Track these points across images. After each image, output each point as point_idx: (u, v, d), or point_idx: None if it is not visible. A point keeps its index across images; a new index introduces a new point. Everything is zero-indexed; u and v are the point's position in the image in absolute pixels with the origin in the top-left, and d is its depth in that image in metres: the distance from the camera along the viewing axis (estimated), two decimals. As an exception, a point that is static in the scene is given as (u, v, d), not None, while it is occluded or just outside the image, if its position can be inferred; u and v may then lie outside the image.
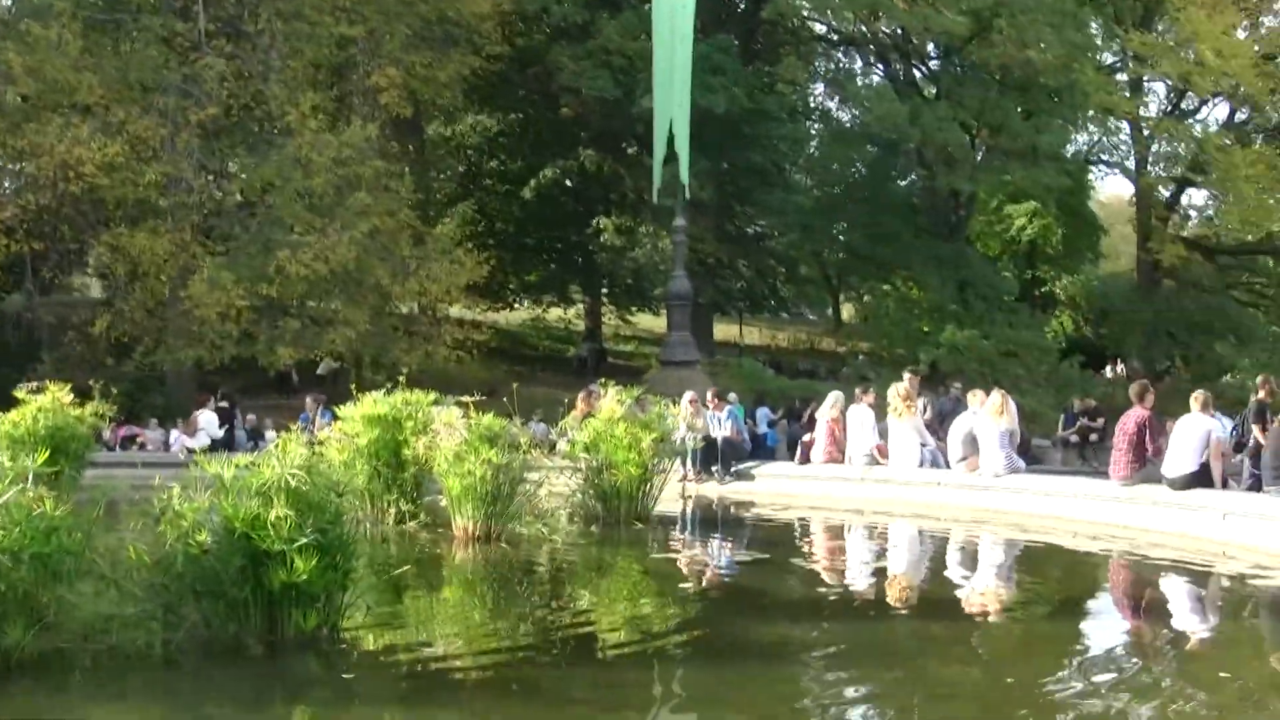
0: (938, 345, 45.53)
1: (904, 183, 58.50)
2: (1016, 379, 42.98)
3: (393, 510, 16.73)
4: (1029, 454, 27.60)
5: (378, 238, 37.83)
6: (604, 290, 61.03)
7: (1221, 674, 9.91)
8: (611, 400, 18.63)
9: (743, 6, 54.86)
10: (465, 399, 17.12)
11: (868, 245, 56.28)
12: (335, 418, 17.74)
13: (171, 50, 37.27)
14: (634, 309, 62.30)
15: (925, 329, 48.80)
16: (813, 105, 62.92)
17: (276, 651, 9.51)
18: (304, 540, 9.29)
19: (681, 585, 14.43)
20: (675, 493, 21.59)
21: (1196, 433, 17.14)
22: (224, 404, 34.81)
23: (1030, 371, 46.26)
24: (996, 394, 20.32)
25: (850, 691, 9.30)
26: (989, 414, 19.85)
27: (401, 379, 17.69)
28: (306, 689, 9.21)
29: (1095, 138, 65.38)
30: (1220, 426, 17.62)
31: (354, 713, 8.63)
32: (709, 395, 24.39)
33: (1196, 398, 18.08)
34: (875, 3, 48.62)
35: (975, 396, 21.64)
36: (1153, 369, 61.08)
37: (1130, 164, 64.79)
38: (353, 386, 18.66)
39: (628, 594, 13.83)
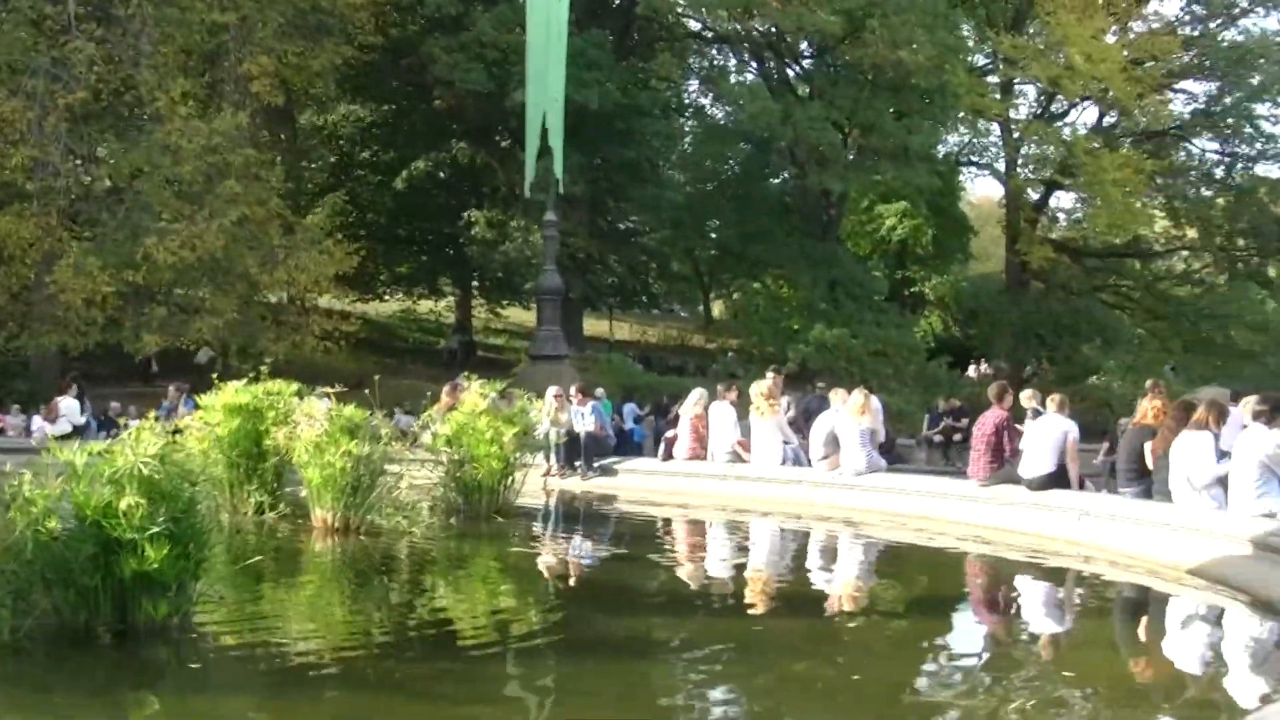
0: (807, 343, 45.82)
1: (776, 181, 58.92)
2: (885, 378, 43.44)
3: (252, 501, 16.60)
4: (893, 453, 27.77)
5: (247, 226, 37.52)
6: (475, 283, 60.93)
7: (1074, 673, 10.06)
8: (474, 394, 18.61)
9: (618, 2, 54.83)
10: (327, 389, 17.06)
11: (740, 243, 56.60)
12: (198, 406, 17.58)
13: (40, 33, 36.67)
14: (505, 303, 62.24)
15: (795, 327, 49.07)
16: (687, 102, 63.20)
17: (127, 640, 9.46)
18: (155, 529, 9.25)
19: (542, 580, 14.45)
20: (538, 487, 21.60)
21: (1053, 434, 17.35)
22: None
23: (898, 371, 46.72)
24: (858, 393, 20.46)
25: (712, 688, 9.36)
26: (850, 413, 19.97)
27: (264, 369, 17.61)
28: (155, 678, 9.17)
29: (966, 139, 66.23)
30: (1075, 427, 17.83)
31: (202, 703, 8.57)
32: (573, 390, 24.36)
33: (1054, 399, 18.33)
34: (749, 1, 48.80)
35: (837, 395, 21.77)
36: (1020, 370, 61.86)
37: (1000, 166, 65.63)
38: (214, 376, 18.47)
39: (488, 588, 13.83)
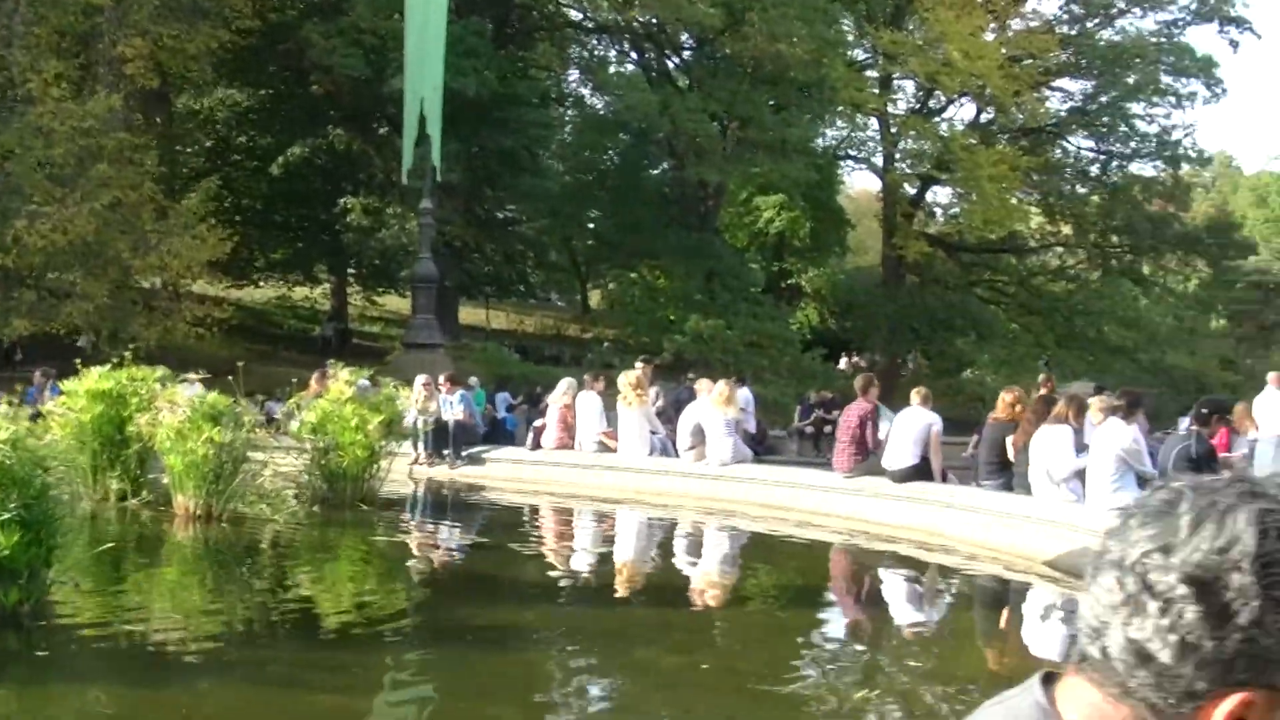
0: (682, 334, 45.97)
1: (655, 172, 59.07)
2: (760, 369, 43.65)
3: (114, 487, 16.48)
4: (765, 444, 27.97)
5: (119, 210, 37.18)
6: (351, 270, 60.68)
7: (927, 663, 10.22)
8: (340, 381, 18.58)
9: (497, -11, 54.81)
10: (191, 375, 16.98)
11: (618, 233, 56.77)
12: (63, 393, 17.43)
13: (-92, 12, 36.31)
14: (381, 290, 62.00)
15: (671, 317, 49.22)
16: (567, 92, 63.17)
17: (-25, 627, 9.39)
18: (6, 515, 9.20)
19: (408, 568, 14.47)
20: (405, 475, 21.59)
21: (916, 426, 17.55)
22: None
23: (773, 363, 46.97)
24: (722, 383, 20.54)
25: (576, 676, 9.46)
26: (715, 403, 20.06)
27: (128, 354, 17.49)
28: (3, 666, 9.11)
29: (844, 133, 66.66)
30: (939, 420, 18.05)
31: (49, 692, 8.50)
32: (441, 379, 24.31)
33: (917, 392, 18.53)
34: (629, -8, 49.05)
35: (702, 385, 21.88)
36: (896, 363, 62.41)
37: (878, 160, 66.14)
38: (77, 362, 18.28)
39: (352, 576, 13.84)
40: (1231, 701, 1.60)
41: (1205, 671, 1.60)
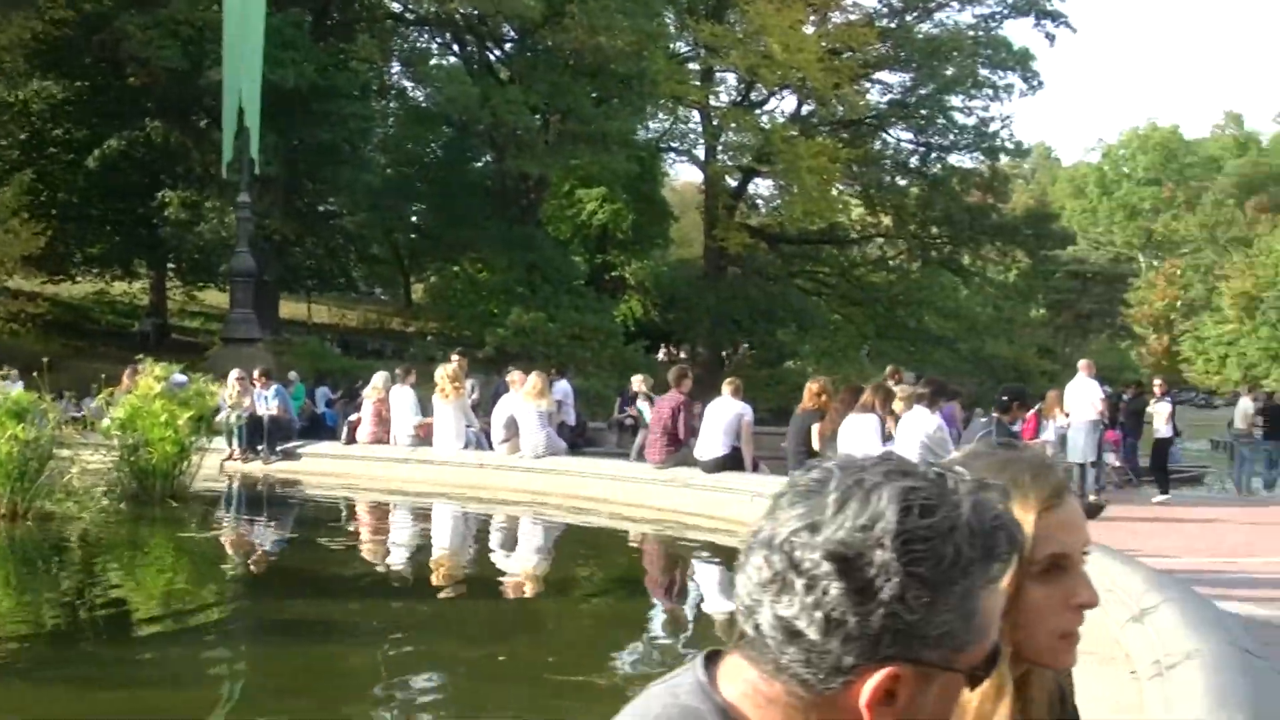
0: (504, 327, 45.93)
1: (479, 165, 58.95)
2: (582, 362, 43.71)
3: (-83, 486, 16.23)
4: (585, 436, 28.12)
5: (-71, 204, 36.58)
6: (170, 265, 59.79)
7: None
8: (149, 376, 18.41)
9: (317, -19, 54.34)
10: (9, 371, 16.80)
11: (440, 226, 56.66)
12: None
13: None
14: (200, 285, 61.12)
15: (494, 310, 49.18)
16: (389, 84, 62.77)
17: None
18: None
19: (219, 564, 14.41)
20: (218, 471, 21.43)
21: (727, 417, 17.69)
22: None
23: (595, 355, 47.03)
24: (535, 376, 20.56)
25: (392, 670, 9.44)
26: (528, 396, 20.11)
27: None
28: None
29: (667, 125, 66.92)
30: (750, 410, 18.22)
31: None
32: (255, 373, 24.15)
33: (729, 382, 18.66)
34: (449, -17, 48.85)
35: (515, 378, 21.90)
36: (719, 354, 62.80)
37: (700, 152, 66.55)
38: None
39: (161, 573, 13.76)
40: (878, 676, 1.64)
41: (851, 647, 1.63)
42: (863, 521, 1.64)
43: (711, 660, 1.81)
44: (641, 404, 25.31)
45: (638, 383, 27.40)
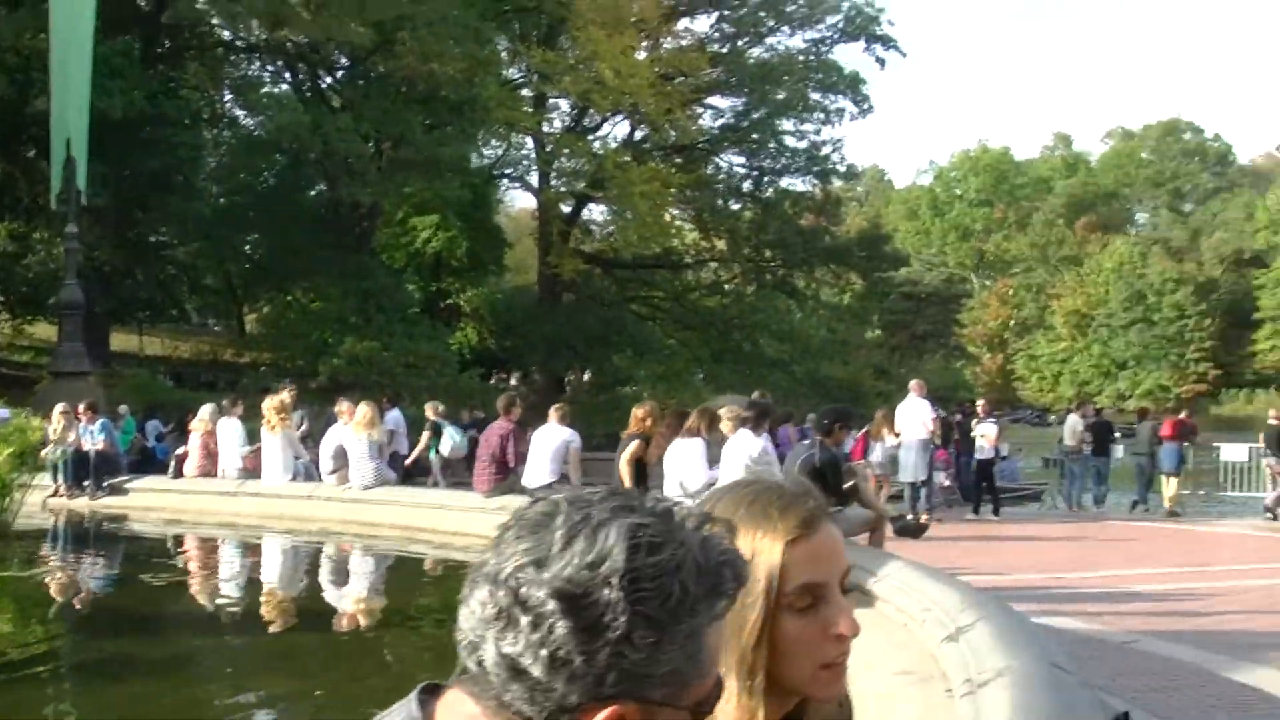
0: (338, 357, 45.68)
1: (312, 193, 58.52)
2: (417, 390, 43.51)
3: None
4: (420, 464, 28.07)
5: None
6: (-1, 298, 58.89)
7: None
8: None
9: (146, 9, 53.63)
10: None
11: (274, 256, 56.18)
12: None
13: None
14: (30, 318, 60.13)
15: (327, 340, 48.82)
16: (220, 113, 62.19)
17: None
18: None
19: (43, 603, 14.20)
20: (42, 508, 21.11)
21: (554, 443, 17.75)
22: None
23: (431, 383, 46.84)
24: (364, 406, 20.43)
25: (224, 704, 9.37)
26: (357, 426, 20.01)
27: None
28: None
29: (500, 152, 66.85)
30: (577, 437, 18.28)
31: None
32: (80, 407, 23.80)
33: (556, 409, 18.73)
34: (279, 11, 48.27)
35: (344, 408, 21.77)
36: (556, 380, 62.78)
37: (534, 179, 66.61)
38: None
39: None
40: (603, 715, 1.63)
41: (576, 685, 1.61)
42: (590, 559, 1.63)
43: (431, 693, 1.79)
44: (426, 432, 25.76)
45: (429, 410, 27.74)
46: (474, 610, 1.68)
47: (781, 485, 2.44)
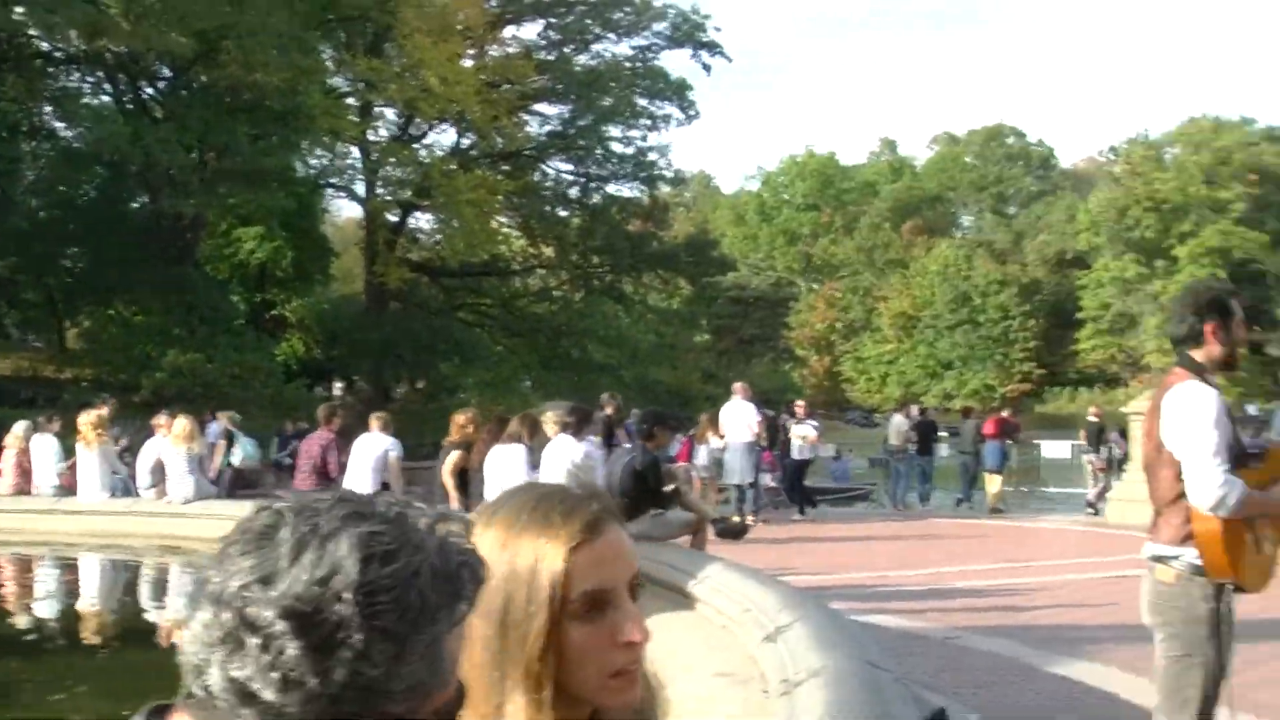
0: (161, 370, 45.16)
1: (135, 205, 57.71)
2: (242, 402, 43.09)
3: None
4: (244, 478, 27.78)
5: None
6: None
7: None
8: None
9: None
10: None
11: (95, 269, 55.27)
12: None
13: None
14: None
15: (150, 353, 48.20)
16: (39, 125, 61.22)
17: None
18: None
19: None
20: None
21: (375, 452, 17.70)
22: None
23: (256, 394, 46.46)
24: (183, 419, 20.22)
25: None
26: (176, 440, 19.75)
27: None
28: None
29: (325, 161, 66.35)
30: (398, 445, 18.22)
31: None
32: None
33: (376, 418, 18.68)
34: (97, 22, 47.54)
35: (161, 421, 21.51)
36: (383, 389, 62.47)
37: (360, 188, 66.16)
38: None
39: None
40: None
41: (312, 708, 1.53)
42: (320, 573, 1.54)
43: (158, 714, 1.66)
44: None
45: (223, 419, 27.65)
46: (197, 634, 1.57)
47: (566, 489, 2.40)
